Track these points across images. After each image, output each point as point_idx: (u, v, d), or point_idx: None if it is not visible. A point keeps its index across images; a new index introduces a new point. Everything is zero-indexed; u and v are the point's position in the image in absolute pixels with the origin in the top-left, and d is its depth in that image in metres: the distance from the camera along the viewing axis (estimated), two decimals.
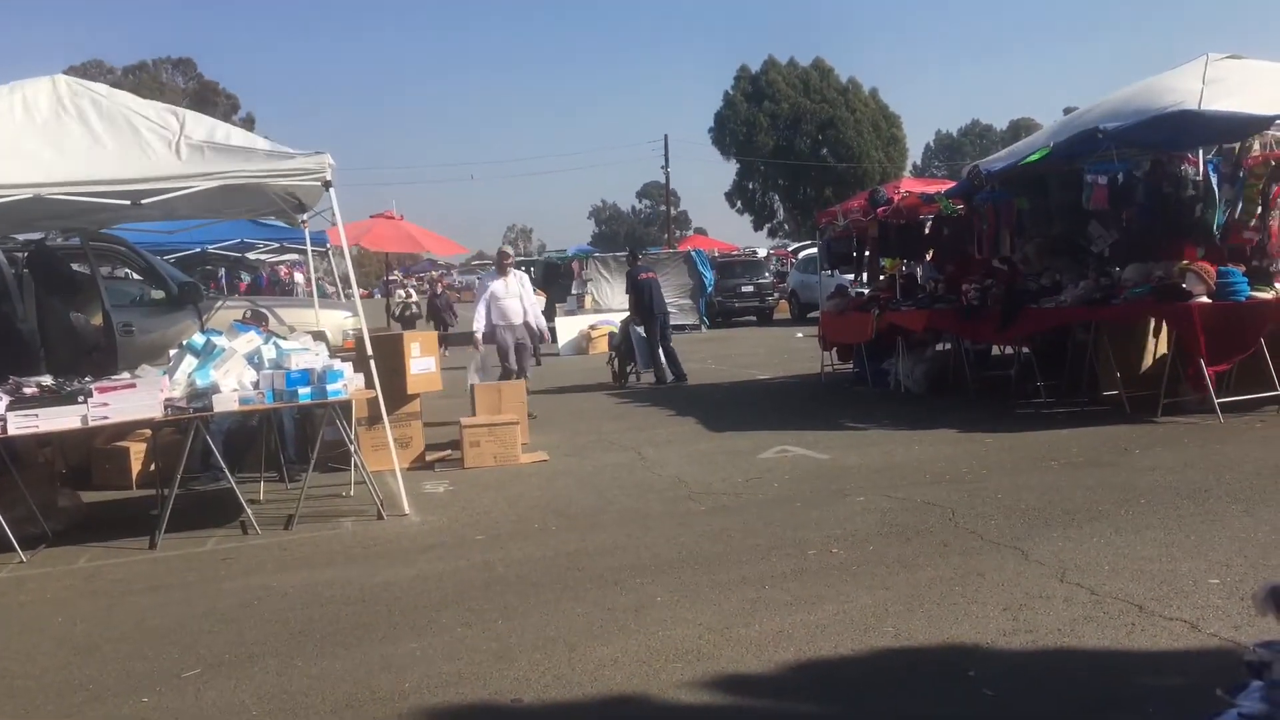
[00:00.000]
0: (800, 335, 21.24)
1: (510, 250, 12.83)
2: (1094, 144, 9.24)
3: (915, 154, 73.53)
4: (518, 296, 11.78)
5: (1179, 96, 8.90)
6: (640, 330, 14.77)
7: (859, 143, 52.46)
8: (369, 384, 7.33)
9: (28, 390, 6.59)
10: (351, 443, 7.64)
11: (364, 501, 7.38)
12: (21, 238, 9.95)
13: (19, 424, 6.22)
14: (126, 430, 8.31)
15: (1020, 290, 10.32)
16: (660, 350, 14.60)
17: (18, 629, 5.11)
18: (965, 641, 4.09)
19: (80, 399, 6.41)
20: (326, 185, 7.16)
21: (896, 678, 3.83)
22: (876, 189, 13.81)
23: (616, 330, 16.11)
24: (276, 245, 15.85)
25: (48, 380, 6.93)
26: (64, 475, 8.00)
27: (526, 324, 11.88)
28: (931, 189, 12.90)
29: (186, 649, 4.62)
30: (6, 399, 6.33)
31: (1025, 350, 11.08)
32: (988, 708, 3.49)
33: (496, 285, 11.86)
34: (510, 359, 11.69)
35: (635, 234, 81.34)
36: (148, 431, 8.15)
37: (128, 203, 6.99)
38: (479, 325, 11.75)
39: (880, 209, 12.89)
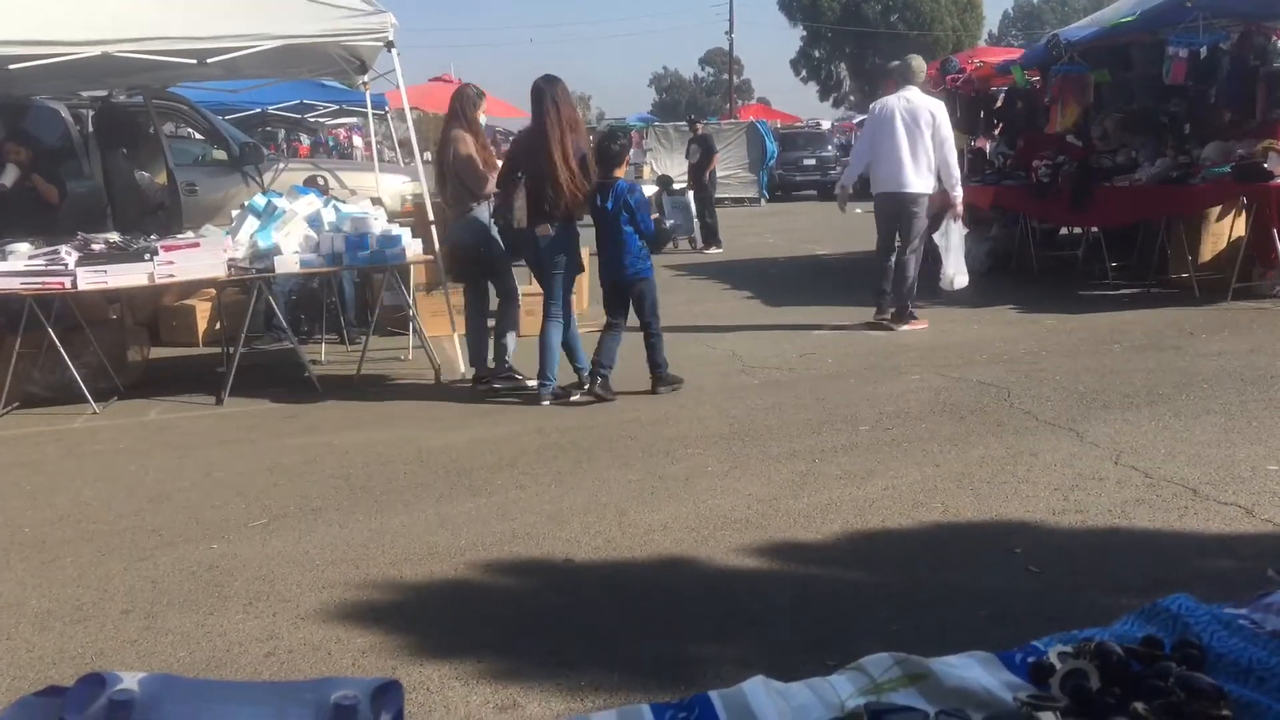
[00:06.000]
0: (860, 210, 20.84)
1: (918, 64, 8.46)
2: (1182, 13, 8.77)
3: (992, 22, 70.45)
4: (903, 144, 7.90)
5: None
6: (684, 198, 15.42)
7: (932, 9, 50.37)
8: (428, 250, 7.37)
9: (96, 246, 6.74)
10: (410, 307, 7.73)
11: (422, 365, 7.51)
12: (87, 94, 10.01)
13: (88, 279, 6.37)
14: (192, 289, 8.49)
15: (1094, 168, 9.98)
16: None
17: (93, 477, 5.35)
18: (1013, 519, 4.11)
19: (147, 256, 6.53)
20: (388, 45, 7.08)
21: (943, 551, 3.88)
22: (948, 58, 13.32)
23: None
24: (335, 107, 15.76)
25: (115, 237, 7.07)
26: (133, 331, 8.21)
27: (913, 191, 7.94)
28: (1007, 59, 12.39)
29: (253, 500, 4.81)
30: (76, 254, 6.48)
31: (1094, 230, 10.78)
32: (1032, 583, 3.53)
33: (880, 125, 8.09)
34: (894, 238, 8.19)
35: (696, 103, 79.63)
36: (213, 291, 8.31)
37: (193, 61, 6.98)
38: (846, 177, 9.22)
39: (950, 78, 12.43)
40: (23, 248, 6.63)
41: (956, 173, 8.09)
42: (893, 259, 8.22)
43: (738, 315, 9.50)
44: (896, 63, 8.67)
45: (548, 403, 6.38)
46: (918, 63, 8.50)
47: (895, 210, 8.14)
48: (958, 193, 8.12)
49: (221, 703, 0.81)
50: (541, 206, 6.25)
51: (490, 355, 6.84)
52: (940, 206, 8.27)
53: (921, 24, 50.22)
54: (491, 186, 6.56)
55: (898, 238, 8.19)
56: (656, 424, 5.83)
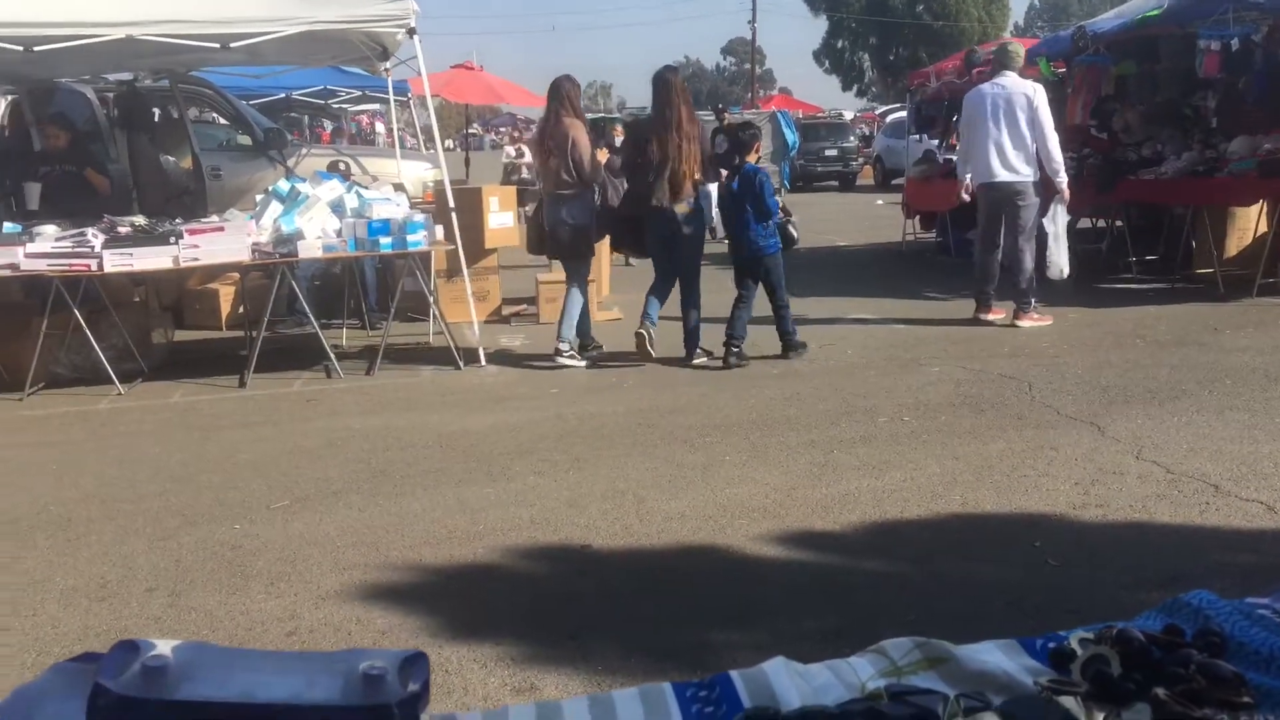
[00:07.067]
0: (881, 202, 20.80)
1: (1015, 48, 8.20)
2: (1211, 7, 8.68)
3: (1018, 13, 70.06)
4: (997, 132, 7.59)
5: None
6: (705, 187, 15.21)
7: (957, 0, 50.02)
8: (449, 237, 7.39)
9: (122, 229, 6.79)
10: (431, 294, 7.77)
11: (442, 352, 7.54)
12: (112, 78, 10.07)
13: (114, 262, 6.43)
14: (216, 273, 8.55)
15: (1119, 160, 9.90)
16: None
17: (118, 457, 5.40)
18: (1034, 512, 4.10)
19: (172, 240, 6.58)
20: (410, 32, 7.10)
21: (961, 543, 3.87)
22: (974, 49, 13.21)
23: None
24: (359, 93, 15.81)
25: (140, 220, 7.12)
26: (158, 314, 8.29)
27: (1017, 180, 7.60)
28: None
29: (275, 482, 4.85)
30: (102, 237, 6.53)
31: (1118, 224, 10.70)
32: (1051, 576, 3.52)
33: (974, 113, 7.80)
34: (998, 231, 7.84)
35: (718, 93, 79.38)
36: (236, 275, 8.37)
37: (216, 46, 7.03)
38: (961, 171, 8.30)
39: (976, 69, 12.35)
40: (50, 230, 6.69)
41: (1059, 157, 7.65)
42: (998, 254, 7.88)
43: (757, 305, 9.46)
44: (994, 48, 8.47)
45: (699, 362, 7.02)
46: (1014, 47, 8.19)
47: (996, 202, 7.78)
48: (1062, 178, 7.70)
49: (253, 670, 0.83)
50: (674, 187, 6.74)
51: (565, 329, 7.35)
52: (1047, 192, 7.84)
53: (947, 15, 49.88)
54: (601, 173, 7.17)
55: (1003, 231, 7.82)
56: (675, 412, 5.84)
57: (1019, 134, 7.56)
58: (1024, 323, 7.81)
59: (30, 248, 6.40)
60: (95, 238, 6.48)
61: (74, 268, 6.40)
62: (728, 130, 16.42)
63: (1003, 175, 7.63)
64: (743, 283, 7.08)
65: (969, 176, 8.05)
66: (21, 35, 6.57)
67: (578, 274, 7.27)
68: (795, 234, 7.52)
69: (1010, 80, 7.75)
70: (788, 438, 5.24)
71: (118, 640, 0.86)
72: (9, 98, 9.21)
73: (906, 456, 4.86)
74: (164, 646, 0.83)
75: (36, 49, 6.74)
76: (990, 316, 8.01)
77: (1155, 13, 9.32)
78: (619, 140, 11.57)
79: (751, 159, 7.00)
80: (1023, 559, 3.68)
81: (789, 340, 7.11)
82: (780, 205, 7.27)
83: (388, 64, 8.63)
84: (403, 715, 0.81)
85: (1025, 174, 7.61)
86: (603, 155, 7.33)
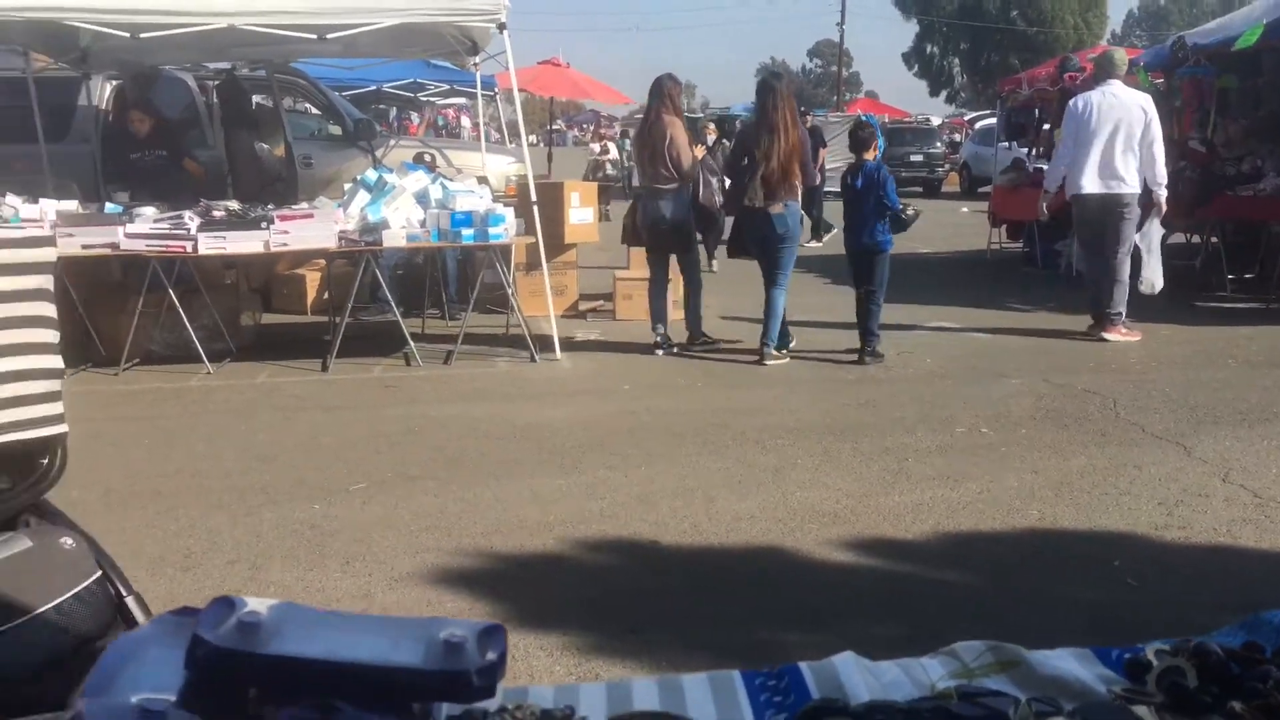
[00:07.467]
0: (966, 210, 20.45)
1: (1120, 56, 8.05)
2: None
3: (1116, 21, 68.30)
4: (1108, 142, 7.39)
5: None
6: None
7: (1054, 6, 48.94)
8: (529, 230, 7.48)
9: (217, 214, 7.00)
10: (509, 286, 7.85)
11: (518, 344, 7.62)
12: (212, 67, 10.38)
13: (208, 244, 6.63)
14: (304, 258, 8.75)
15: (1216, 175, 9.60)
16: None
17: (206, 434, 5.58)
18: (1113, 531, 4.02)
19: (263, 225, 6.77)
20: (501, 27, 7.21)
21: (1037, 559, 3.81)
22: (1069, 56, 12.92)
23: None
24: (446, 87, 16.04)
25: (234, 205, 7.34)
26: (247, 297, 8.51)
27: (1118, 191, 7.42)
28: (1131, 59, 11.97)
29: (353, 465, 4.96)
30: (198, 220, 6.75)
31: (1213, 240, 10.38)
32: (1130, 596, 3.45)
33: (1083, 122, 7.53)
34: (1095, 253, 7.76)
35: (803, 95, 78.86)
36: (322, 261, 8.56)
37: (313, 37, 7.21)
38: (1050, 180, 8.24)
39: (1069, 75, 12.07)
40: (149, 211, 6.93)
41: (1164, 171, 7.52)
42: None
43: (836, 310, 9.38)
44: (1096, 55, 8.48)
45: (771, 362, 7.05)
46: (1120, 55, 8.02)
47: (1099, 213, 7.53)
48: (1163, 192, 7.55)
49: (340, 631, 0.86)
50: (771, 188, 6.89)
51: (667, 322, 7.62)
52: (1144, 206, 7.66)
53: (1042, 21, 48.86)
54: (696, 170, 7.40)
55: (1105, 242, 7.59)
56: (748, 413, 5.83)
57: (1131, 145, 7.37)
58: (1112, 336, 7.62)
59: (130, 228, 6.63)
60: (191, 220, 6.69)
61: (170, 249, 6.62)
62: (813, 131, 16.44)
63: (1111, 186, 7.43)
64: (859, 278, 7.26)
65: (1059, 185, 7.90)
66: (129, 22, 6.82)
67: (692, 266, 7.59)
68: (912, 214, 7.43)
69: (1120, 89, 7.55)
70: (861, 444, 5.20)
71: (215, 597, 0.90)
72: (114, 83, 9.52)
73: (983, 468, 4.79)
74: (259, 604, 0.87)
75: (142, 35, 6.98)
76: (1105, 334, 7.70)
77: (1258, 29, 9.00)
78: (711, 139, 11.63)
79: (869, 156, 7.16)
80: (1100, 578, 3.61)
81: (870, 342, 7.16)
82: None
83: (476, 59, 8.76)
84: (480, 682, 0.84)
85: (1133, 185, 7.42)
86: (699, 151, 7.47)
